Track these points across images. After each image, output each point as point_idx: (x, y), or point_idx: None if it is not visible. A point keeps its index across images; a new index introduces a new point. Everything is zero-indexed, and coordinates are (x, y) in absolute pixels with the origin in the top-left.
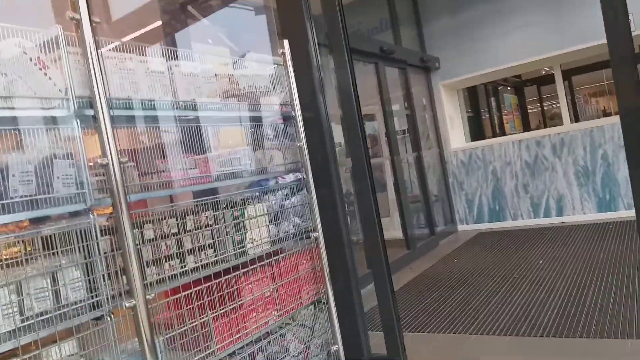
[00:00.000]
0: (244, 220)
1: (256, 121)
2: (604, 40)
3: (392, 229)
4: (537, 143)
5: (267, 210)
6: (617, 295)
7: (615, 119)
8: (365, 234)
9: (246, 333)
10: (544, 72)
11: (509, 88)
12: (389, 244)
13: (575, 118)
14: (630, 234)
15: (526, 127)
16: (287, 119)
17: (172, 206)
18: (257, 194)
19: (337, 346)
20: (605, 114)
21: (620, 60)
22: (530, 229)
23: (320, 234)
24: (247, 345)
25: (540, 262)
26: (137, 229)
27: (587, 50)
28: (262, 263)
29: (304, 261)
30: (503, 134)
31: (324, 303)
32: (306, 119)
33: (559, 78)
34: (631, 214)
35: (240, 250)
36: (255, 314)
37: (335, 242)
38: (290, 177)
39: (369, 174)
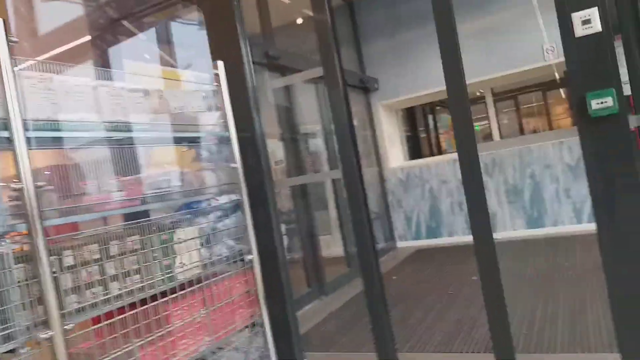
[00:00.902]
0: (172, 244)
1: (188, 141)
2: (530, 66)
3: (334, 247)
4: None
5: (199, 233)
6: (544, 311)
7: (540, 140)
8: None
9: None
10: (477, 94)
11: (445, 108)
12: (330, 261)
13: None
14: (554, 249)
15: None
16: (222, 139)
17: (93, 231)
18: (188, 216)
19: None
20: (534, 132)
21: (456, 101)
22: (465, 245)
23: (255, 256)
24: None
25: (474, 278)
26: (55, 256)
27: (514, 75)
28: (192, 288)
29: (238, 284)
30: (440, 152)
31: (259, 326)
32: (241, 139)
33: (489, 101)
34: (555, 230)
35: (168, 275)
36: (185, 341)
37: (270, 263)
38: (224, 199)
39: (362, 191)
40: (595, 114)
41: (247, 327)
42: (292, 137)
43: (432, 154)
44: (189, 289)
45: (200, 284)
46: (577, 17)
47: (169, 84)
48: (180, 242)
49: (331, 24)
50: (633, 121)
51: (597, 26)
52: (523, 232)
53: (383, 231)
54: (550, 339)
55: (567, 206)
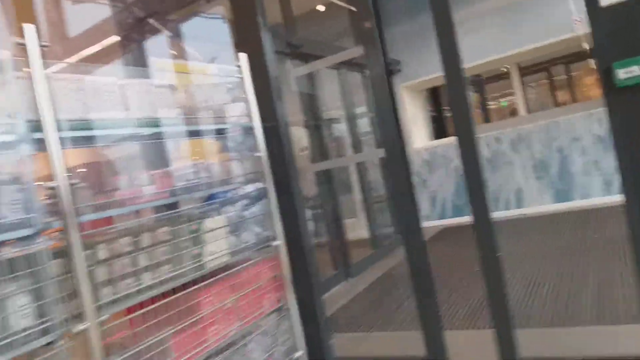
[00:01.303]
0: (201, 234)
1: (214, 133)
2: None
3: (359, 230)
4: (496, 139)
5: (227, 222)
6: (571, 284)
7: (568, 112)
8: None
9: (207, 346)
10: (504, 70)
11: (469, 86)
12: (355, 244)
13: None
14: (583, 223)
15: (487, 121)
16: (246, 129)
17: (124, 225)
18: (215, 206)
19: (300, 352)
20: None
21: (454, 84)
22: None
23: (281, 241)
24: (207, 358)
25: (500, 254)
26: (90, 250)
27: (542, 48)
28: (222, 275)
29: (265, 270)
30: None
31: (286, 310)
32: (265, 129)
33: (515, 76)
34: (585, 203)
35: (198, 264)
36: (215, 327)
37: (296, 249)
38: (250, 188)
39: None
40: (621, 83)
41: (274, 311)
42: (316, 124)
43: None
44: (219, 277)
45: (229, 271)
46: None
47: (195, 78)
48: (209, 231)
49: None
50: None
51: None
52: (551, 207)
53: None
54: (578, 311)
55: (596, 178)
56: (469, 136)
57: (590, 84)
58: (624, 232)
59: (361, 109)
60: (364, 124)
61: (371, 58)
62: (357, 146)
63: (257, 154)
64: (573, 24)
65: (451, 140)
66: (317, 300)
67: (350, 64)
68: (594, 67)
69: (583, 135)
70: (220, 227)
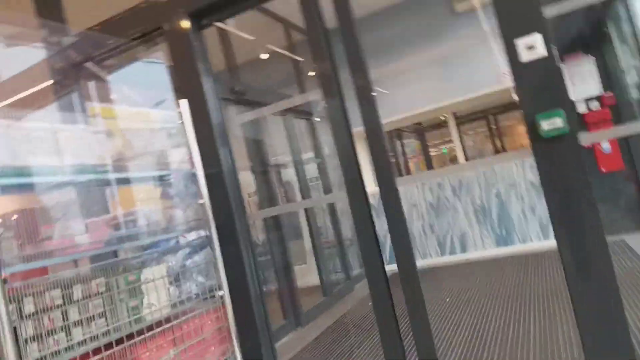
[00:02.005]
0: (140, 285)
1: (155, 180)
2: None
3: (309, 276)
4: (438, 185)
5: (167, 272)
6: (515, 327)
7: (505, 160)
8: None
9: None
10: (442, 118)
11: (412, 133)
12: (306, 291)
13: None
14: (524, 267)
15: (430, 169)
16: (189, 176)
17: (54, 277)
18: (155, 255)
19: None
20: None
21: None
22: (437, 267)
23: (226, 291)
24: None
25: (447, 299)
26: (14, 304)
27: (473, 100)
28: (161, 328)
29: (209, 322)
30: (408, 173)
31: None
32: (208, 176)
33: (452, 124)
34: (524, 247)
35: (136, 316)
36: None
37: (242, 298)
38: (192, 235)
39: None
40: (546, 134)
41: None
42: (263, 169)
43: (400, 175)
44: (157, 330)
45: (170, 324)
46: (521, 43)
47: (134, 124)
48: (148, 282)
49: (326, 45)
50: (587, 139)
51: (541, 51)
52: (493, 251)
53: (358, 257)
54: (522, 357)
55: (533, 223)
56: (390, 186)
57: (522, 133)
58: (561, 275)
59: (308, 155)
60: (312, 170)
61: (331, 103)
62: (305, 191)
63: (200, 201)
64: (500, 77)
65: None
66: (265, 352)
67: (296, 111)
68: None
69: (519, 181)
70: (160, 278)
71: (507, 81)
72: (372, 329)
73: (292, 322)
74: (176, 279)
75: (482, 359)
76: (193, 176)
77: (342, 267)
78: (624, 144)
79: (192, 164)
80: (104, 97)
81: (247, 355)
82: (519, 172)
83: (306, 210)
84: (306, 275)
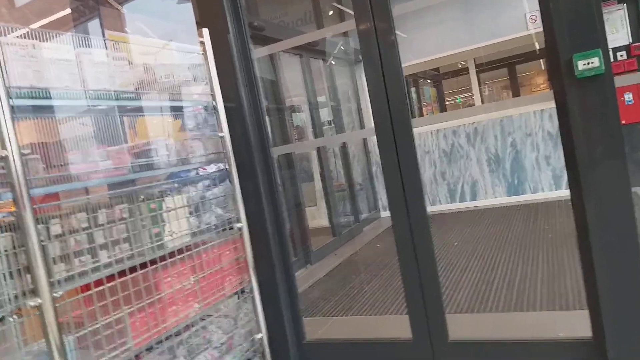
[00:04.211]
0: (161, 213)
1: (175, 111)
2: (511, 36)
3: (319, 218)
4: (453, 132)
5: (187, 202)
6: (523, 272)
7: (522, 110)
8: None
9: (165, 327)
10: (460, 66)
11: (428, 81)
12: (316, 232)
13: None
14: (534, 215)
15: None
16: (209, 109)
17: (79, 200)
18: (176, 185)
19: (261, 334)
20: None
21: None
22: (447, 213)
23: (244, 224)
24: (166, 339)
25: (456, 243)
26: (42, 225)
27: (496, 45)
28: (182, 256)
29: (227, 252)
30: (421, 115)
31: (248, 293)
32: (228, 109)
33: (472, 71)
34: (536, 197)
35: (158, 243)
36: (174, 307)
37: (259, 232)
38: (212, 168)
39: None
40: (581, 75)
41: (236, 293)
42: (278, 110)
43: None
44: (179, 257)
45: (190, 252)
46: None
47: (155, 54)
48: (169, 211)
49: None
50: (620, 80)
51: None
52: (503, 199)
53: (367, 201)
54: (530, 298)
55: (546, 173)
56: (406, 128)
57: (541, 83)
58: (572, 224)
59: (322, 98)
60: (325, 113)
61: (363, 33)
62: (318, 134)
63: (220, 134)
64: (527, 22)
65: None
66: (280, 284)
67: (313, 51)
68: (543, 67)
69: (536, 131)
70: (180, 207)
71: (534, 26)
72: (381, 268)
73: (302, 260)
74: (196, 209)
75: (489, 300)
76: (213, 109)
77: (351, 210)
78: None
79: (213, 96)
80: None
81: (263, 285)
82: (537, 121)
83: (318, 153)
84: (316, 217)
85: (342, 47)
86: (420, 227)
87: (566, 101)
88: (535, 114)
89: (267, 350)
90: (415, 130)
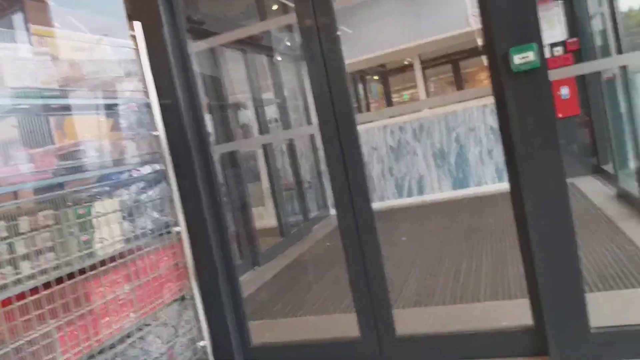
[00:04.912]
0: (91, 219)
1: (107, 110)
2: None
3: (267, 218)
4: (400, 128)
5: (120, 206)
6: (468, 264)
7: (466, 105)
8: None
9: (98, 340)
10: (406, 63)
11: (375, 77)
12: (264, 232)
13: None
14: (479, 208)
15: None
16: (142, 106)
17: None
18: (107, 188)
19: (203, 342)
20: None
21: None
22: (395, 208)
23: (183, 227)
24: (99, 353)
25: (404, 238)
26: None
27: (440, 41)
28: (115, 264)
29: (166, 257)
30: (370, 120)
31: (189, 299)
32: (163, 107)
33: (417, 67)
34: (480, 190)
35: (87, 251)
36: (107, 319)
37: (199, 235)
38: (147, 169)
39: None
40: (517, 69)
41: (176, 301)
42: (221, 108)
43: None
44: (111, 265)
45: (124, 259)
46: None
47: (82, 49)
48: (99, 216)
49: None
50: (554, 74)
51: None
52: (449, 194)
53: (316, 200)
54: (474, 289)
55: (489, 166)
56: (350, 123)
57: (484, 79)
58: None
59: (268, 95)
60: (272, 111)
61: (304, 28)
62: (264, 132)
63: (154, 133)
64: (468, 19)
65: (358, 128)
66: (223, 288)
67: (257, 46)
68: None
69: (478, 125)
70: (112, 212)
71: (476, 23)
72: (330, 267)
73: (249, 262)
74: (130, 213)
75: (435, 294)
76: (147, 107)
77: (300, 209)
78: (582, 89)
79: (147, 93)
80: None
81: (205, 290)
82: (480, 116)
83: (265, 152)
84: (264, 217)
85: (287, 43)
86: (366, 224)
87: (504, 95)
88: (478, 110)
89: (210, 358)
90: (362, 127)
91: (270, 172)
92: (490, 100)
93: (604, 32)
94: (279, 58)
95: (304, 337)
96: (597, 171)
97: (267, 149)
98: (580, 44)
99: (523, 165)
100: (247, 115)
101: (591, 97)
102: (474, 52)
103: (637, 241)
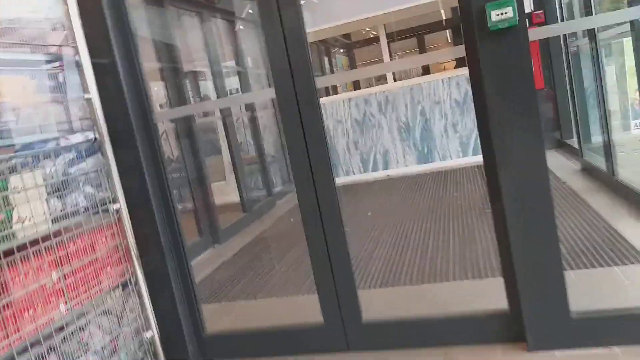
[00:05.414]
0: (7, 195)
1: (26, 67)
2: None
3: (228, 193)
4: (365, 101)
5: (44, 180)
6: (435, 241)
7: (432, 77)
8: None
9: (20, 337)
10: (371, 36)
11: (340, 50)
12: (225, 208)
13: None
14: (444, 182)
15: (356, 87)
16: (71, 64)
17: None
18: (29, 159)
19: (150, 332)
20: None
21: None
22: (360, 183)
23: (122, 204)
24: (23, 351)
25: (369, 214)
26: None
27: (408, 10)
28: (38, 247)
29: (103, 239)
30: (336, 93)
31: (133, 285)
32: (97, 66)
33: (383, 38)
34: (444, 164)
35: (2, 233)
36: (31, 312)
37: (143, 213)
38: (78, 138)
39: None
40: (494, 27)
41: (117, 287)
42: (176, 77)
43: (327, 94)
44: (33, 249)
45: (50, 242)
46: None
47: None
48: (18, 192)
49: None
50: (533, 34)
51: None
52: (414, 168)
53: (281, 174)
54: (442, 268)
55: (454, 141)
56: (309, 88)
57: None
58: (479, 190)
59: (228, 64)
60: (233, 81)
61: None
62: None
63: (86, 96)
64: None
65: (322, 101)
66: (172, 272)
67: (215, 10)
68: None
69: (444, 99)
70: (34, 187)
71: None
72: (293, 244)
73: (209, 240)
74: (57, 189)
75: (402, 273)
76: (77, 65)
77: (263, 183)
78: (546, 63)
79: (76, 49)
80: None
81: (150, 275)
82: (445, 89)
83: (224, 123)
84: (225, 192)
85: (250, 11)
86: (328, 200)
87: (478, 57)
88: (444, 82)
89: (159, 349)
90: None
91: (230, 144)
92: (454, 73)
93: (570, 5)
94: (242, 27)
95: (264, 323)
96: (560, 145)
97: (226, 120)
98: (545, 17)
99: (499, 135)
100: (207, 86)
101: (555, 71)
102: (438, 26)
103: (605, 215)
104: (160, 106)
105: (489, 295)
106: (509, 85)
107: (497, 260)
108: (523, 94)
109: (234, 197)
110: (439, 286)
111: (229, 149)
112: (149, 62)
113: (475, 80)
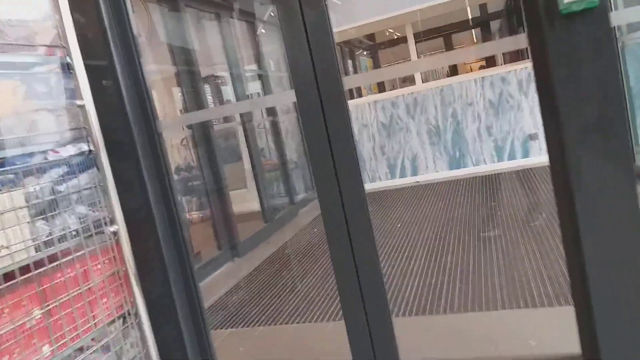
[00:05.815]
0: None
1: (11, 71)
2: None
3: (249, 201)
4: (392, 104)
5: (28, 200)
6: (476, 258)
7: (463, 78)
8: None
9: None
10: (395, 37)
11: (364, 52)
12: (245, 217)
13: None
14: (478, 189)
15: (381, 90)
16: (63, 67)
17: None
18: (10, 176)
19: None
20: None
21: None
22: (388, 190)
23: (121, 225)
24: None
25: (398, 225)
26: None
27: (432, 9)
28: (15, 281)
29: (99, 265)
30: (360, 95)
31: (134, 316)
32: (91, 67)
33: (410, 37)
34: (478, 169)
35: None
36: (11, 355)
37: (145, 234)
38: (70, 150)
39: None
40: (567, 10)
41: (116, 319)
42: (194, 83)
43: (351, 98)
44: (8, 284)
45: (35, 272)
46: None
47: None
48: None
49: None
50: (618, 17)
51: None
52: (445, 174)
53: (304, 180)
54: (488, 292)
55: (488, 144)
56: (337, 88)
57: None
58: (520, 199)
59: (250, 67)
60: (255, 86)
61: None
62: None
63: (78, 103)
64: None
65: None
66: (178, 299)
67: (233, 10)
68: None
69: (477, 100)
70: (12, 209)
71: None
72: (316, 259)
73: (228, 254)
74: (43, 210)
75: (441, 297)
76: (68, 68)
77: (285, 191)
78: None
79: (67, 50)
80: None
81: (153, 304)
82: (478, 90)
83: (245, 129)
84: (246, 199)
85: (272, 14)
86: (357, 212)
87: (546, 47)
88: (476, 82)
89: None
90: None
91: (250, 151)
92: (489, 73)
93: None
94: (264, 30)
95: (283, 356)
96: None
97: (246, 125)
98: None
99: (574, 148)
100: (226, 91)
101: None
102: (465, 25)
103: None
104: (180, 112)
105: (547, 329)
106: (587, 81)
107: (552, 285)
108: (605, 94)
109: (255, 205)
110: (485, 316)
111: (249, 155)
112: (168, 66)
113: (542, 78)
